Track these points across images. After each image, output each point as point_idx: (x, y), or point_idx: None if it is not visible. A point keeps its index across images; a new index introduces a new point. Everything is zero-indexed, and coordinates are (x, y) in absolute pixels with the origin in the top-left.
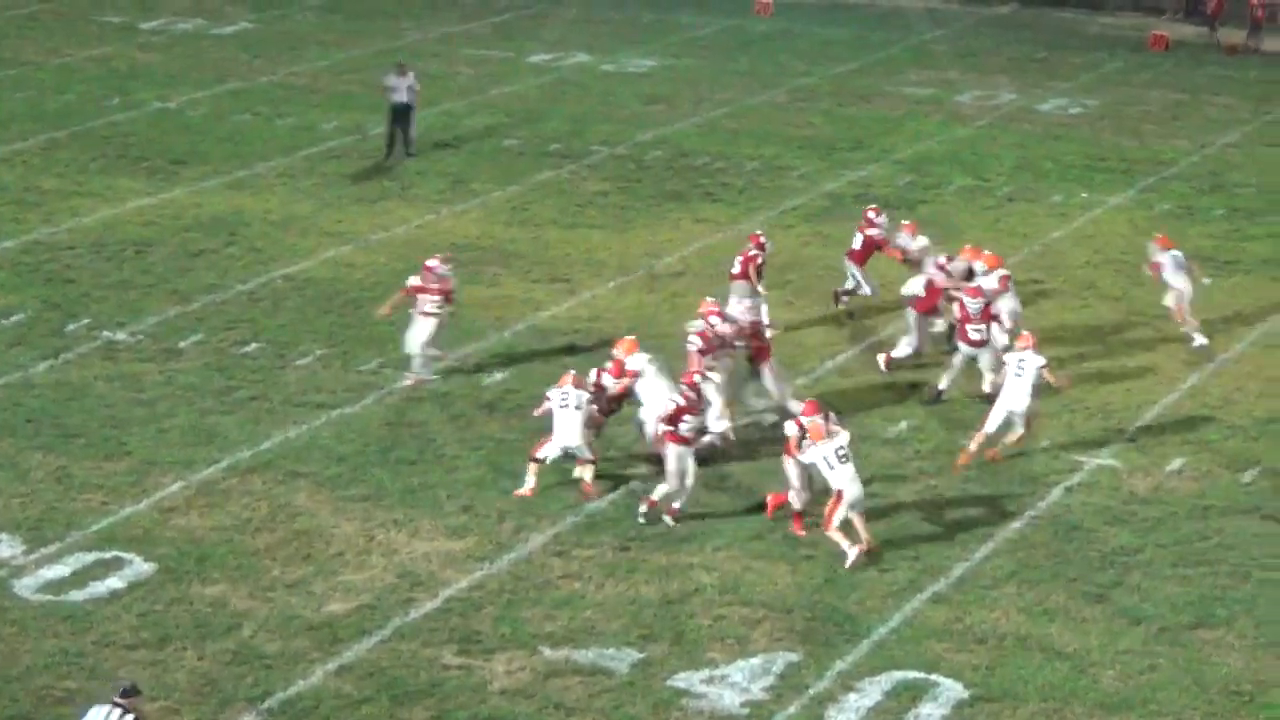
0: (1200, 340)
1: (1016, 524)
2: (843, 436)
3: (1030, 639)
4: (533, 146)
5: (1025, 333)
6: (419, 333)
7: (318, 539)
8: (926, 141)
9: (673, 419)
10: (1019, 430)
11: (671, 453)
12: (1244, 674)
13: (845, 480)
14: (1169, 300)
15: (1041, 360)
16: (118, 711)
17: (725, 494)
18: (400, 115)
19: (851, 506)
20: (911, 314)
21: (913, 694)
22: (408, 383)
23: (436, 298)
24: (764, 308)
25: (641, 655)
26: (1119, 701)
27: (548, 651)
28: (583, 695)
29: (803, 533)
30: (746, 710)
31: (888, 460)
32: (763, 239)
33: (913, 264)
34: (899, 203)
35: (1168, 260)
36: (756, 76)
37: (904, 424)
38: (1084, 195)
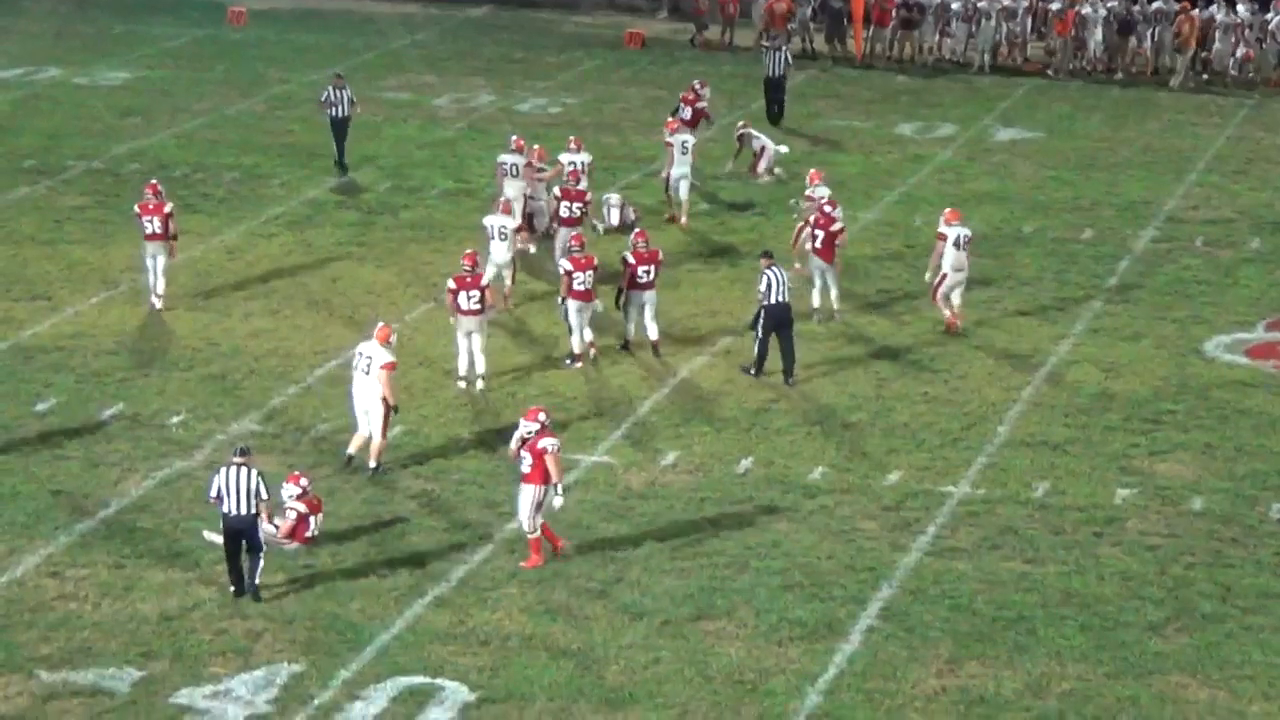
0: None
1: (513, 524)
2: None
3: (534, 638)
4: (7, 163)
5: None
6: None
7: None
8: (407, 146)
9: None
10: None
11: None
12: (746, 663)
13: None
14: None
15: None
16: (245, 470)
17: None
18: (338, 127)
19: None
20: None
21: (419, 699)
22: None
23: None
24: None
25: (142, 673)
26: (625, 696)
27: (45, 675)
28: (84, 717)
29: None
30: None
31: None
32: None
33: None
34: (382, 208)
35: (951, 234)
36: (233, 85)
37: (399, 429)
38: None
